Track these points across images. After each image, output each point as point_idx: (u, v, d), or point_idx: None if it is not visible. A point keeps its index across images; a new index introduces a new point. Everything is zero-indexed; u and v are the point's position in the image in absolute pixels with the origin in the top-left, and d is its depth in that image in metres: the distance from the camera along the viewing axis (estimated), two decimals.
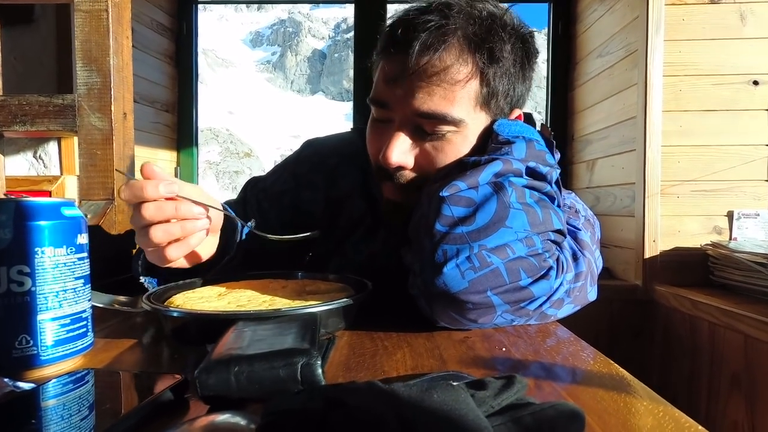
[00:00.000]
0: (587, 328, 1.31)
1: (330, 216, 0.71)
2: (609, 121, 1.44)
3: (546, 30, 1.83)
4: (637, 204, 1.28)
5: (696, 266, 1.23)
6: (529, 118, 0.61)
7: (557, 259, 0.46)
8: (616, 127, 1.41)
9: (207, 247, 0.54)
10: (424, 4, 0.53)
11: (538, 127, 0.57)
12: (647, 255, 1.25)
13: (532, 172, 0.48)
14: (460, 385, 0.22)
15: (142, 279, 0.56)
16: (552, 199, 0.49)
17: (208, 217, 0.49)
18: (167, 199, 0.45)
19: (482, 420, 0.19)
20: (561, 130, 1.73)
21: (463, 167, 0.48)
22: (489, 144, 0.51)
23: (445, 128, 0.52)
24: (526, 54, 0.55)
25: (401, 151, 0.53)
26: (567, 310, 0.50)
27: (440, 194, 0.45)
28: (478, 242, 0.43)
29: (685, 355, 1.14)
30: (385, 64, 0.54)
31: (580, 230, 0.52)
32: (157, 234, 0.45)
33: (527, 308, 0.44)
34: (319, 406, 0.18)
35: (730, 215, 1.25)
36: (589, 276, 0.51)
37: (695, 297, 1.09)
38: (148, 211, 0.44)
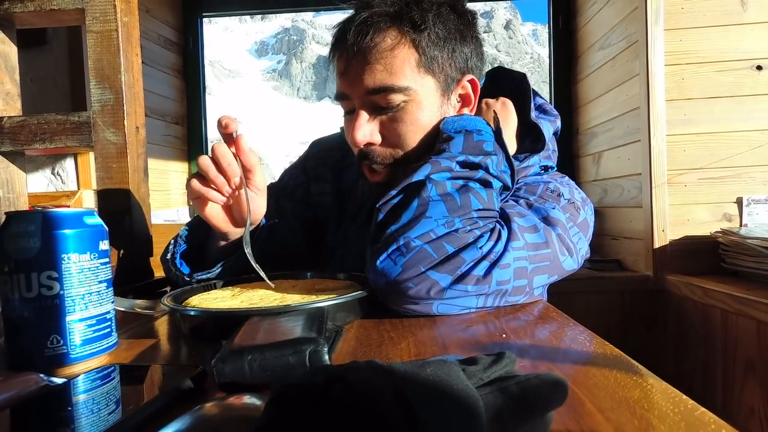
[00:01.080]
0: (599, 320, 1.31)
1: (339, 206, 0.76)
2: (613, 113, 1.45)
3: (547, 25, 1.84)
4: (644, 194, 1.28)
5: (707, 254, 1.22)
6: (522, 80, 0.67)
7: (492, 230, 0.50)
8: (620, 118, 1.41)
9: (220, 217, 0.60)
10: (355, 5, 0.61)
11: (536, 91, 0.66)
12: (657, 245, 1.24)
13: (464, 164, 0.52)
14: (452, 361, 0.24)
15: (175, 263, 0.63)
16: (485, 183, 0.52)
17: (233, 192, 0.57)
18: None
19: (470, 389, 0.21)
20: (566, 123, 1.72)
21: (403, 175, 0.54)
22: (437, 143, 0.56)
23: (396, 98, 0.58)
24: (459, 17, 0.61)
25: (365, 131, 0.60)
26: (542, 280, 0.52)
27: (377, 205, 0.52)
28: (403, 235, 0.48)
29: (698, 343, 1.14)
30: (336, 64, 0.62)
31: (554, 209, 0.55)
32: (204, 162, 0.55)
33: (472, 274, 0.47)
34: (321, 381, 0.20)
35: (739, 201, 1.24)
36: (560, 247, 0.53)
37: (707, 285, 1.09)
38: (220, 147, 0.55)
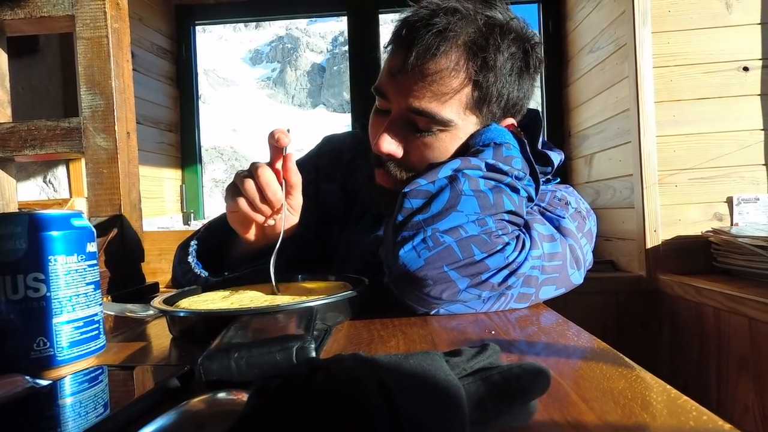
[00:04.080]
0: (595, 321, 1.31)
1: (345, 208, 0.76)
2: (604, 115, 1.46)
3: (537, 29, 1.86)
4: (636, 195, 1.29)
5: (698, 253, 1.23)
6: (536, 116, 0.65)
7: (517, 237, 0.49)
8: (610, 120, 1.42)
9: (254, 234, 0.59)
10: (433, 7, 0.56)
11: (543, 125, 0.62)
12: (649, 245, 1.25)
13: (492, 168, 0.51)
14: (436, 352, 0.24)
15: (195, 268, 0.62)
16: (514, 189, 0.51)
17: (271, 213, 0.56)
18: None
19: (453, 378, 0.21)
20: (558, 126, 1.74)
21: (429, 168, 0.52)
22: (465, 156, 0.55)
23: (436, 126, 0.56)
24: (526, 63, 0.58)
25: (391, 142, 0.58)
26: (549, 291, 0.52)
27: (403, 190, 0.50)
28: (431, 226, 0.47)
29: (692, 342, 1.14)
30: (390, 58, 0.59)
31: (564, 218, 0.55)
32: (251, 189, 0.53)
33: (490, 281, 0.47)
34: (304, 371, 0.21)
35: (729, 201, 1.25)
36: (570, 259, 0.53)
37: (699, 284, 1.09)
38: (266, 174, 0.53)
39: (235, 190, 0.55)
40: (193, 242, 0.65)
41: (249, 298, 0.50)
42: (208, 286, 0.59)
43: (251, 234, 0.58)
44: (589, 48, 1.55)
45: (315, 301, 0.43)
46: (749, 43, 1.23)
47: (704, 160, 1.26)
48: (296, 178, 0.56)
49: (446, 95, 0.55)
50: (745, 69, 1.24)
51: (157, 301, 0.48)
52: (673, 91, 1.26)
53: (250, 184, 0.53)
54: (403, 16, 0.58)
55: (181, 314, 0.44)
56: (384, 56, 0.64)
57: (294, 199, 0.57)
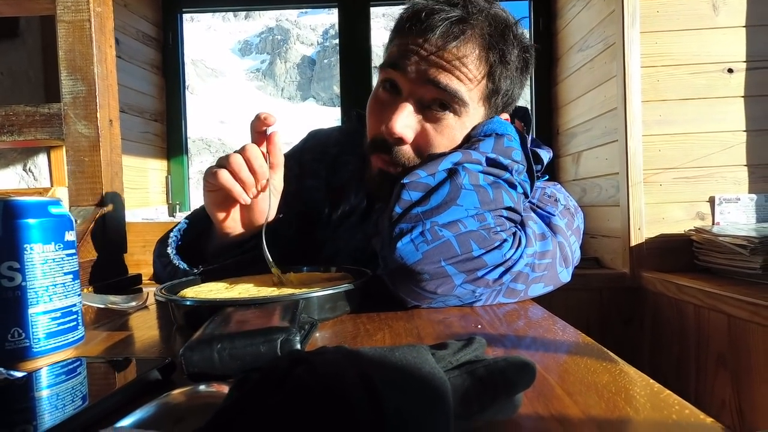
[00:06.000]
0: (579, 318, 1.33)
1: (330, 203, 0.75)
2: (592, 114, 1.47)
3: (528, 27, 1.86)
4: (621, 193, 1.30)
5: (681, 252, 1.25)
6: (525, 114, 0.65)
7: (513, 234, 0.49)
8: (598, 119, 1.43)
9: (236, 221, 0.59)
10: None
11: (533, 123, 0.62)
12: (633, 243, 1.27)
13: (492, 162, 0.51)
14: (422, 345, 0.24)
15: (174, 259, 0.61)
16: (511, 185, 0.51)
17: (257, 193, 0.56)
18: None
19: (438, 371, 0.21)
20: (546, 124, 1.76)
21: (429, 159, 0.52)
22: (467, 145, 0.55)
23: (455, 105, 0.56)
24: (525, 63, 0.60)
25: (405, 123, 0.57)
26: (537, 289, 0.52)
27: (402, 181, 0.49)
28: (430, 219, 0.46)
29: (673, 338, 1.17)
30: (406, 41, 0.57)
31: (554, 216, 0.55)
32: (237, 160, 0.53)
33: (486, 278, 0.47)
34: (285, 364, 0.20)
35: (711, 201, 1.27)
36: (560, 257, 0.53)
37: (680, 281, 1.11)
38: (253, 149, 0.53)
39: (216, 167, 0.54)
40: (172, 235, 0.64)
41: (256, 290, 0.49)
42: (198, 277, 0.58)
43: (229, 220, 0.57)
44: (578, 47, 1.56)
45: (327, 290, 0.43)
46: (734, 45, 1.25)
47: (688, 159, 1.27)
48: (281, 157, 0.57)
49: (471, 82, 0.55)
50: (730, 71, 1.26)
51: (161, 290, 0.48)
52: (659, 91, 1.27)
53: (235, 156, 0.53)
54: (413, 3, 0.58)
55: (188, 303, 0.43)
56: (383, 43, 0.63)
57: (276, 178, 0.57)
